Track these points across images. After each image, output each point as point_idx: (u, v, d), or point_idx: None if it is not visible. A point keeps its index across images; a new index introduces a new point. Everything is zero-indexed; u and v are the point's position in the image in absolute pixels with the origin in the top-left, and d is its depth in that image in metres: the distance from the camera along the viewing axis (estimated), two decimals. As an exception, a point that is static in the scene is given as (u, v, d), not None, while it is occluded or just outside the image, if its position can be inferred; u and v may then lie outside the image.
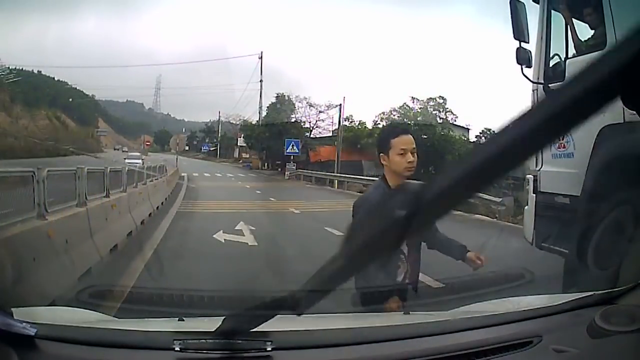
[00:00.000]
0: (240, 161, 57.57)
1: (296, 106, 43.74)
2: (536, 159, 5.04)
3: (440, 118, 36.87)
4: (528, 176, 5.28)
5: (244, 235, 9.06)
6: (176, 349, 1.61)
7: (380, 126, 40.20)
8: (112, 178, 8.61)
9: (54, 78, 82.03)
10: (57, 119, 68.15)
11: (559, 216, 4.72)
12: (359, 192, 24.46)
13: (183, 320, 2.10)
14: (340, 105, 35.94)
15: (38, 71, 77.44)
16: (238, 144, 58.84)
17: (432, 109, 37.18)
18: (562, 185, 4.74)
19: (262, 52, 51.26)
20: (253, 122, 48.61)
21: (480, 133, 35.41)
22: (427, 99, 37.35)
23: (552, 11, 4.97)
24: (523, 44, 4.73)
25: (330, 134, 41.19)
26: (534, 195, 5.09)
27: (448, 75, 75.19)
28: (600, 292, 2.10)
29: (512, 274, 4.23)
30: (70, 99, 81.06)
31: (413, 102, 37.72)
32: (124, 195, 9.14)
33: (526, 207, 5.32)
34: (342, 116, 35.81)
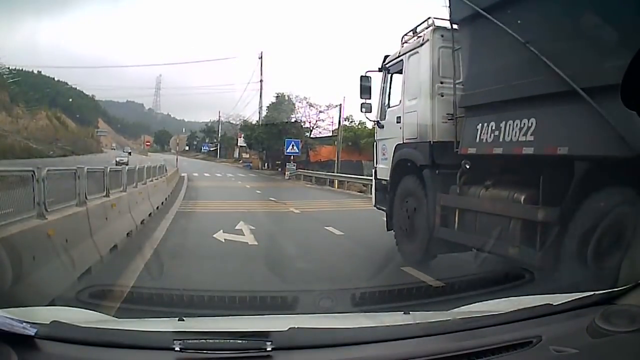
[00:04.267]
0: (241, 161, 57.56)
1: (296, 106, 43.76)
2: (375, 160, 8.65)
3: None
4: (373, 169, 8.88)
5: (244, 235, 9.06)
6: (176, 349, 1.61)
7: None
8: (112, 178, 8.60)
9: (54, 78, 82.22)
10: (57, 119, 68.16)
11: (383, 190, 8.12)
12: (359, 192, 24.47)
13: (183, 320, 2.10)
14: (340, 105, 35.89)
15: (38, 71, 77.60)
16: (238, 144, 58.85)
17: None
18: (383, 174, 8.07)
19: (262, 52, 51.39)
20: (253, 122, 48.64)
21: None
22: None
23: (388, 75, 8.09)
24: (367, 100, 8.11)
25: (330, 134, 41.17)
26: (374, 180, 8.75)
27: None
28: (600, 292, 2.10)
29: (512, 274, 4.24)
30: (70, 99, 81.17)
31: (413, 101, 37.62)
32: (124, 195, 9.13)
33: (372, 186, 9.20)
34: (342, 116, 35.75)
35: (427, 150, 6.51)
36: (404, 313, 2.40)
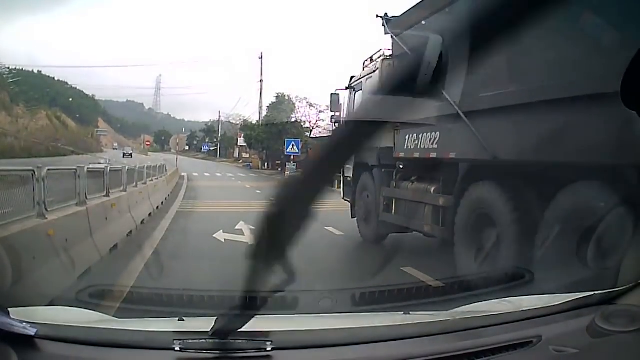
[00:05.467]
0: (240, 161, 57.51)
1: (296, 106, 43.71)
2: None
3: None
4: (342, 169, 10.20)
5: (244, 235, 9.05)
6: (176, 349, 1.61)
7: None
8: (112, 177, 8.61)
9: (54, 78, 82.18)
10: (57, 119, 68.11)
11: (348, 185, 9.99)
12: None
13: (183, 320, 2.10)
14: (341, 105, 35.84)
15: (38, 71, 77.55)
16: (238, 144, 58.79)
17: (431, 109, 37.11)
18: (348, 172, 9.73)
19: (262, 53, 51.40)
20: (253, 122, 48.59)
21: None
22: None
23: (353, 93, 9.68)
24: (336, 113, 10.54)
25: (330, 134, 40.99)
26: (342, 177, 10.38)
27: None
28: (600, 292, 2.10)
29: (512, 274, 4.24)
30: (70, 99, 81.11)
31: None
32: (124, 195, 9.14)
33: (340, 182, 10.82)
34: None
35: (375, 153, 8.25)
36: (404, 313, 2.39)
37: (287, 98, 44.15)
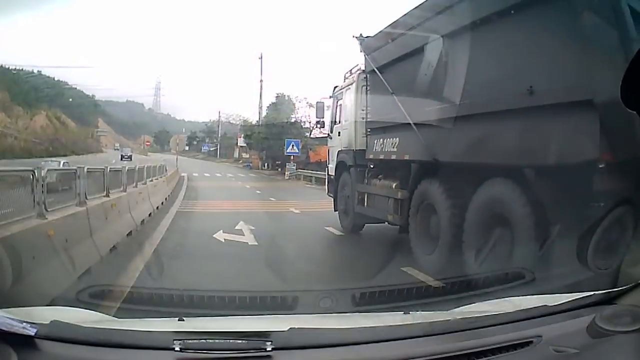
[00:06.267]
0: (240, 161, 57.39)
1: (296, 106, 43.63)
2: (328, 161, 11.87)
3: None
4: (326, 168, 12.25)
5: (243, 235, 9.05)
6: (176, 349, 1.61)
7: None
8: (112, 178, 8.60)
9: (54, 78, 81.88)
10: (57, 119, 68.06)
11: (331, 183, 11.16)
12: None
13: (183, 320, 2.10)
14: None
15: (38, 71, 77.26)
16: (238, 144, 58.70)
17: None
18: (332, 171, 11.06)
19: (262, 53, 51.39)
20: (253, 122, 48.51)
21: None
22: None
23: (336, 101, 11.03)
24: (322, 119, 11.86)
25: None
26: (327, 175, 12.02)
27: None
28: (600, 292, 2.10)
29: (512, 274, 4.24)
30: (70, 99, 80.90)
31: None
32: (124, 195, 9.13)
33: (326, 180, 12.29)
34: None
35: (352, 155, 9.64)
36: (404, 313, 2.40)
37: (287, 98, 44.11)
